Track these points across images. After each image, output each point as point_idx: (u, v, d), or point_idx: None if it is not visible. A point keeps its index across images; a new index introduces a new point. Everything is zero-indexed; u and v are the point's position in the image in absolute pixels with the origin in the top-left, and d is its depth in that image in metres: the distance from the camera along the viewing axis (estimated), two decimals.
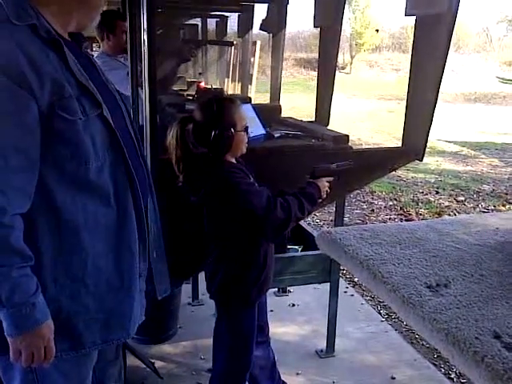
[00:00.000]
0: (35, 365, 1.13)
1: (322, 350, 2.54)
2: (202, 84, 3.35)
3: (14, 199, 1.03)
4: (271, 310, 2.43)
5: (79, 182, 1.13)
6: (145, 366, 2.31)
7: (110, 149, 1.17)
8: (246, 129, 1.69)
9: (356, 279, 3.48)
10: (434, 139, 8.88)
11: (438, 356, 2.62)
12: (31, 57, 1.03)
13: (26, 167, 1.05)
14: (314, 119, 2.81)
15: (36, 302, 1.07)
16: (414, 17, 2.09)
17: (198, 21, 4.22)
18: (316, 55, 2.95)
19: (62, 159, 1.10)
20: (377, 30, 22.40)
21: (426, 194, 5.98)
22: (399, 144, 2.32)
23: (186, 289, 2.85)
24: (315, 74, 2.99)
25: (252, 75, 3.81)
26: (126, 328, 1.28)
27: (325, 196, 1.80)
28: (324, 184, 1.78)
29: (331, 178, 1.81)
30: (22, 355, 1.11)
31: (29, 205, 1.07)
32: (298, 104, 6.93)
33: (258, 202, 1.60)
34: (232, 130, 1.63)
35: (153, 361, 2.37)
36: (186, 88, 3.45)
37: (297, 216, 1.67)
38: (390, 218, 5.11)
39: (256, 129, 2.10)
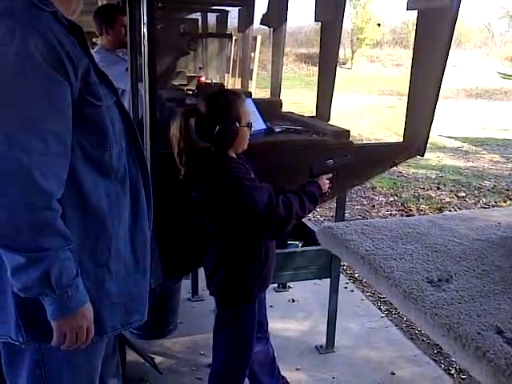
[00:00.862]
0: (75, 347, 1.13)
1: (321, 346, 2.54)
2: (203, 79, 3.33)
3: (54, 184, 1.03)
4: (271, 306, 2.43)
5: (103, 168, 1.15)
6: (144, 362, 2.31)
7: (124, 135, 1.20)
8: (249, 124, 1.68)
9: (356, 275, 3.48)
10: (435, 135, 8.85)
11: (438, 352, 2.61)
12: (63, 43, 1.03)
13: (63, 153, 1.05)
14: (314, 114, 2.80)
15: (79, 284, 1.09)
16: (416, 11, 2.07)
17: (198, 15, 4.20)
18: (317, 50, 2.93)
19: (89, 145, 1.11)
20: (378, 24, 22.27)
21: (427, 190, 5.98)
22: (400, 140, 2.31)
23: (186, 284, 2.85)
24: (316, 69, 2.97)
25: (252, 70, 3.79)
26: (142, 311, 1.30)
27: (326, 194, 1.79)
28: (324, 182, 1.77)
29: (330, 175, 1.80)
30: (66, 338, 1.11)
31: (62, 190, 1.07)
32: (299, 99, 6.92)
33: (260, 199, 1.59)
34: (237, 124, 1.61)
35: (152, 356, 2.37)
36: (186, 83, 3.43)
37: (298, 214, 1.65)
38: (390, 214, 5.10)
39: (257, 123, 2.08)
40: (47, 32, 1.01)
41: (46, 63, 0.99)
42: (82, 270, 1.13)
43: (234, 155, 1.69)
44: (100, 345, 1.28)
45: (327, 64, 2.76)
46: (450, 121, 10.71)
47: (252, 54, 3.74)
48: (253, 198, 1.58)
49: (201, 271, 2.53)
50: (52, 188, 1.02)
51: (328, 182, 1.79)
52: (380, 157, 2.23)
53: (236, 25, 3.76)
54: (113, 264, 1.19)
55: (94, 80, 1.10)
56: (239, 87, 3.75)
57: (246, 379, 1.92)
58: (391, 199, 5.60)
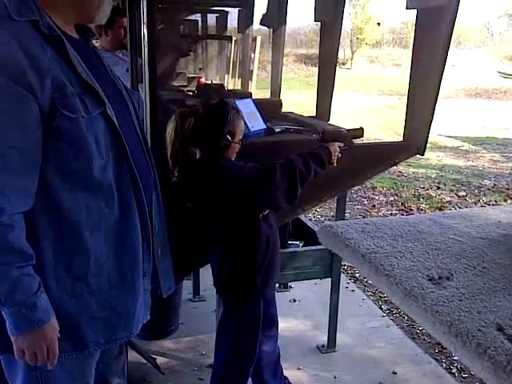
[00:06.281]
0: (39, 364, 1.13)
1: (323, 345, 2.54)
2: (203, 79, 3.34)
3: (14, 199, 1.02)
4: None
5: (82, 181, 1.12)
6: (146, 362, 2.31)
7: (114, 147, 1.16)
8: (240, 142, 1.70)
9: (357, 275, 3.48)
10: (435, 134, 8.87)
11: (439, 351, 2.62)
12: (31, 54, 1.01)
13: (27, 167, 1.04)
14: (314, 115, 2.80)
15: (37, 302, 1.06)
16: (415, 10, 2.08)
17: (198, 16, 4.21)
18: (316, 51, 2.93)
19: (65, 158, 1.09)
20: (378, 24, 22.28)
21: (427, 190, 5.98)
22: (400, 139, 2.31)
23: (187, 285, 2.85)
24: (316, 69, 2.98)
25: (252, 71, 3.79)
26: (129, 327, 1.27)
27: (335, 162, 1.74)
28: (335, 148, 1.73)
29: (342, 144, 1.77)
30: (25, 354, 1.10)
31: (31, 203, 1.06)
32: (299, 100, 6.92)
33: (254, 172, 1.58)
34: (230, 139, 1.64)
35: (154, 356, 2.38)
36: (186, 84, 3.43)
37: (302, 173, 1.60)
38: (391, 214, 5.11)
39: (257, 123, 2.09)
40: (11, 43, 0.99)
41: (5, 77, 0.98)
42: (59, 283, 1.12)
43: None
44: (91, 356, 1.26)
45: (327, 64, 2.76)
46: (450, 120, 10.73)
47: (252, 55, 3.75)
48: (247, 175, 1.59)
49: (202, 272, 2.54)
50: (8, 202, 1.01)
51: (339, 149, 1.74)
52: (380, 156, 2.23)
53: (236, 25, 3.77)
54: (93, 278, 1.16)
55: (71, 92, 1.06)
56: (239, 88, 3.76)
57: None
58: (391, 199, 5.60)
